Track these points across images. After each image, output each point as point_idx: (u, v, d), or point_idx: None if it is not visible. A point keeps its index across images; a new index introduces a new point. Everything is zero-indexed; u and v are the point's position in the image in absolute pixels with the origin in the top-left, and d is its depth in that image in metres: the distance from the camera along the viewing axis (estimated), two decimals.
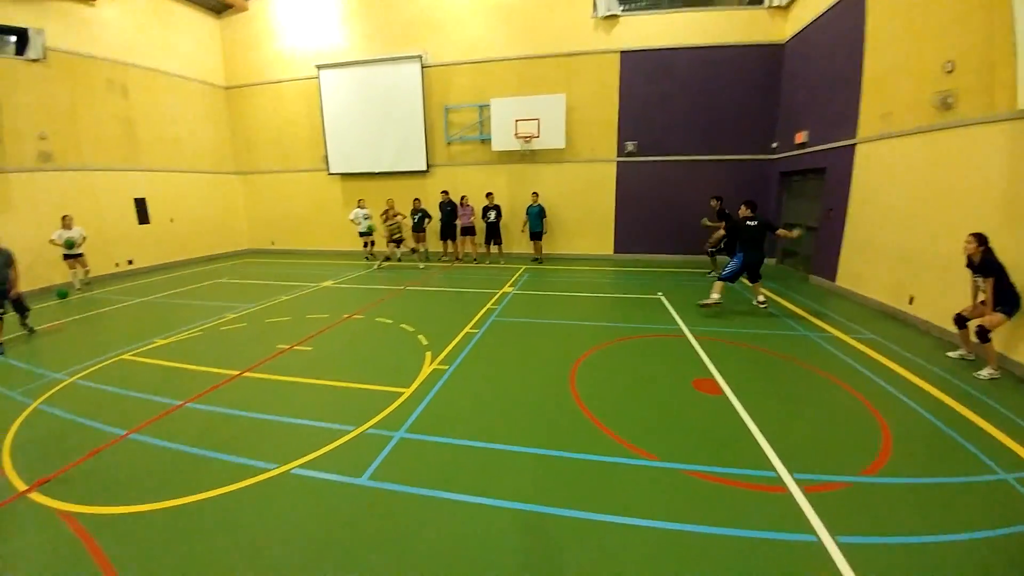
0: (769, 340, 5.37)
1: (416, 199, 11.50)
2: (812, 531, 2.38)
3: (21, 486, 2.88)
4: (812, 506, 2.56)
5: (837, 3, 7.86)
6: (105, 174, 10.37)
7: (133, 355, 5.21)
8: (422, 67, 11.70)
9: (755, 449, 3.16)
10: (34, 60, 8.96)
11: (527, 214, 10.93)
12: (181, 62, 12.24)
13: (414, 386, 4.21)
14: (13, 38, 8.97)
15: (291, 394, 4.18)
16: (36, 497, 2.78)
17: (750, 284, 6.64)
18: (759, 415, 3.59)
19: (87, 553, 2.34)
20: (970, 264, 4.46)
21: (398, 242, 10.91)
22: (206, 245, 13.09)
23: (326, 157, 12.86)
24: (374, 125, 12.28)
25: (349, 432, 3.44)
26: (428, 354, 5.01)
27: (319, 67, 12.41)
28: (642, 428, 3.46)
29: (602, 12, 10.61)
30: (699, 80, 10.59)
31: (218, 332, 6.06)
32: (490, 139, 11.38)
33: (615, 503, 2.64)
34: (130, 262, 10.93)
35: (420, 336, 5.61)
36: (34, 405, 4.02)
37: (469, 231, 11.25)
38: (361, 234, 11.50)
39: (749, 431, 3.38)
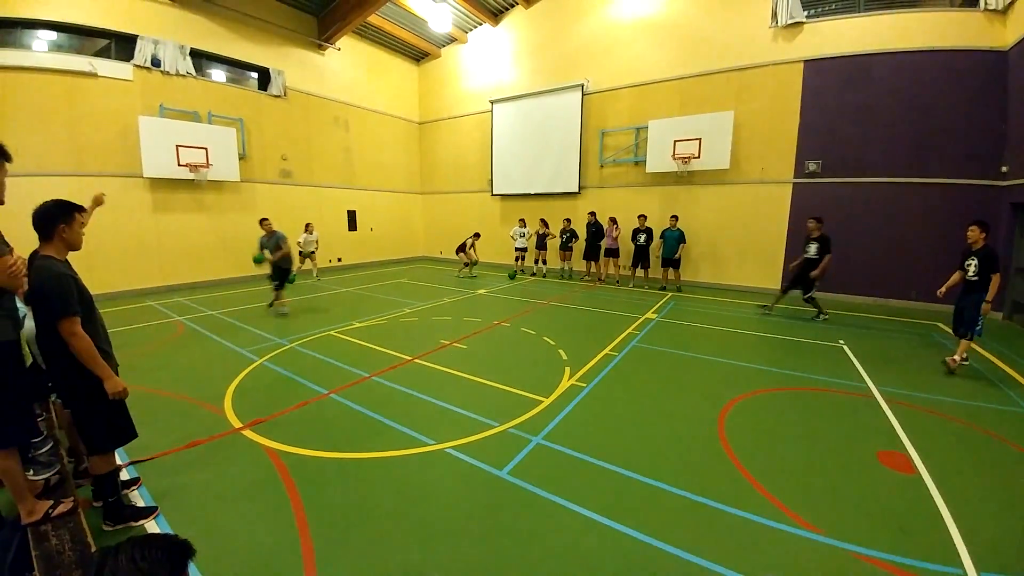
0: (987, 416, 4.12)
1: (567, 219, 12.03)
2: None
3: (237, 423, 3.91)
4: None
5: None
6: (328, 190, 13.46)
7: (337, 332, 6.63)
8: (583, 94, 12.24)
9: (945, 541, 2.54)
10: (276, 96, 11.98)
11: (663, 238, 10.36)
12: (388, 101, 15.29)
13: (553, 397, 4.44)
14: (255, 74, 11.93)
15: (450, 384, 4.81)
16: (249, 434, 3.73)
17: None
18: (956, 503, 2.86)
19: (281, 482, 3.08)
20: None
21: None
22: (392, 250, 15.95)
23: (491, 180, 14.41)
24: (534, 150, 13.34)
25: (494, 427, 3.83)
26: (567, 369, 5.21)
27: (492, 101, 14.02)
28: (803, 492, 3.03)
29: (783, 20, 9.62)
30: (901, 90, 8.79)
31: (398, 322, 7.30)
32: (644, 160, 11.24)
33: (752, 563, 2.40)
34: (339, 259, 13.89)
35: (560, 350, 5.85)
36: (259, 361, 5.41)
37: (613, 253, 11.27)
38: (516, 249, 12.65)
39: (941, 520, 2.70)
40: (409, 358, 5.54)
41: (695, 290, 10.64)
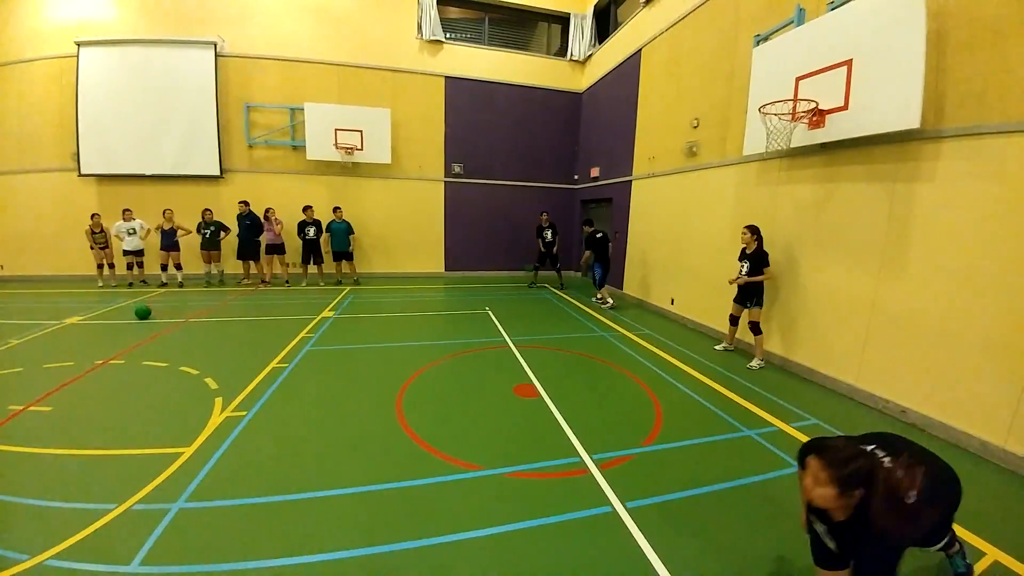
0: (576, 342, 6.18)
1: (207, 210, 9.65)
2: (608, 502, 2.78)
3: None
4: (606, 480, 3.00)
5: (619, 65, 9.77)
6: None
7: None
8: (216, 55, 9.96)
9: (564, 440, 3.55)
10: None
11: (328, 231, 10.17)
12: None
13: (198, 442, 3.41)
14: None
15: (29, 469, 2.96)
16: None
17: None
18: (566, 409, 4.08)
19: None
20: (743, 255, 5.32)
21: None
22: None
23: (77, 154, 9.71)
24: (151, 118, 9.85)
25: (111, 511, 2.58)
26: (219, 400, 4.14)
27: (79, 43, 9.39)
28: (467, 440, 3.54)
29: (427, 35, 10.86)
30: (517, 114, 11.80)
31: None
32: (304, 146, 10.36)
33: (444, 522, 2.61)
34: None
35: (208, 379, 4.59)
36: None
37: (277, 249, 9.92)
38: (126, 252, 9.16)
39: (559, 426, 3.79)
40: None
41: (372, 280, 10.84)
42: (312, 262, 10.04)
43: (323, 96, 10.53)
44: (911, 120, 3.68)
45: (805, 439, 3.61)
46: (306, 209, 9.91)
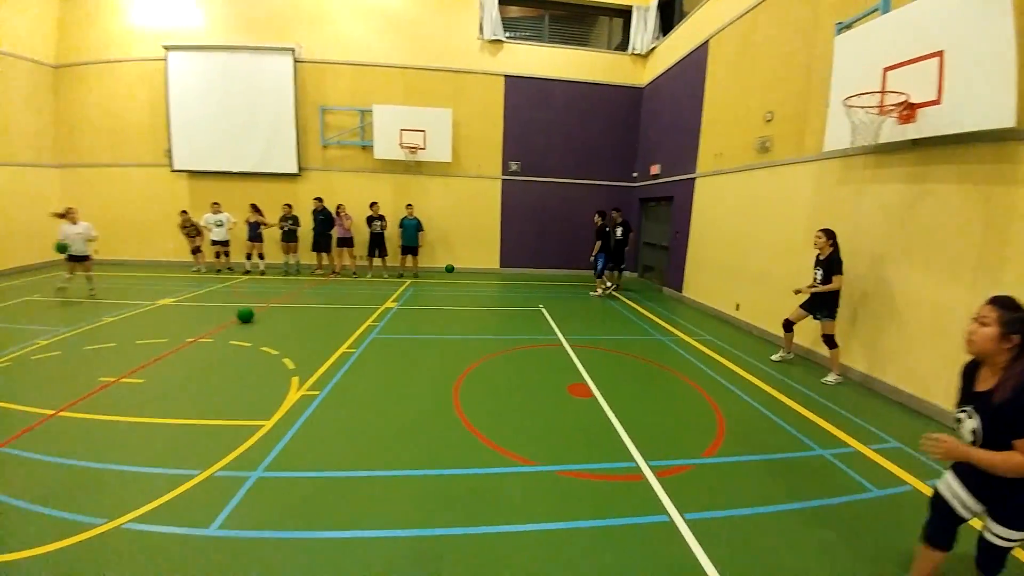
0: (631, 345, 6.03)
1: (287, 205, 10.46)
2: (664, 511, 2.69)
3: None
4: (664, 489, 2.90)
5: (684, 58, 9.37)
6: None
7: None
8: (295, 61, 10.75)
9: (619, 444, 3.49)
10: None
11: (401, 226, 10.60)
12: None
13: (276, 417, 3.73)
14: None
15: (118, 436, 3.38)
16: None
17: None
18: (621, 412, 3.99)
19: None
20: (816, 260, 4.92)
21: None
22: (12, 255, 10.02)
23: (169, 151, 10.92)
24: (237, 119, 10.83)
25: (194, 477, 2.90)
26: (295, 379, 4.50)
27: (168, 48, 10.56)
28: (521, 435, 3.57)
29: (488, 35, 11.04)
30: (575, 111, 11.66)
31: (28, 362, 4.69)
32: (372, 145, 10.92)
33: (497, 513, 2.66)
34: None
35: (286, 360, 5.01)
36: None
37: (347, 242, 10.58)
38: (214, 243, 10.15)
39: (614, 428, 3.72)
40: (51, 412, 3.62)
41: (431, 275, 11.22)
42: (377, 255, 10.58)
43: (390, 98, 11.03)
44: (1005, 118, 3.36)
45: (886, 463, 3.30)
46: (372, 205, 10.47)
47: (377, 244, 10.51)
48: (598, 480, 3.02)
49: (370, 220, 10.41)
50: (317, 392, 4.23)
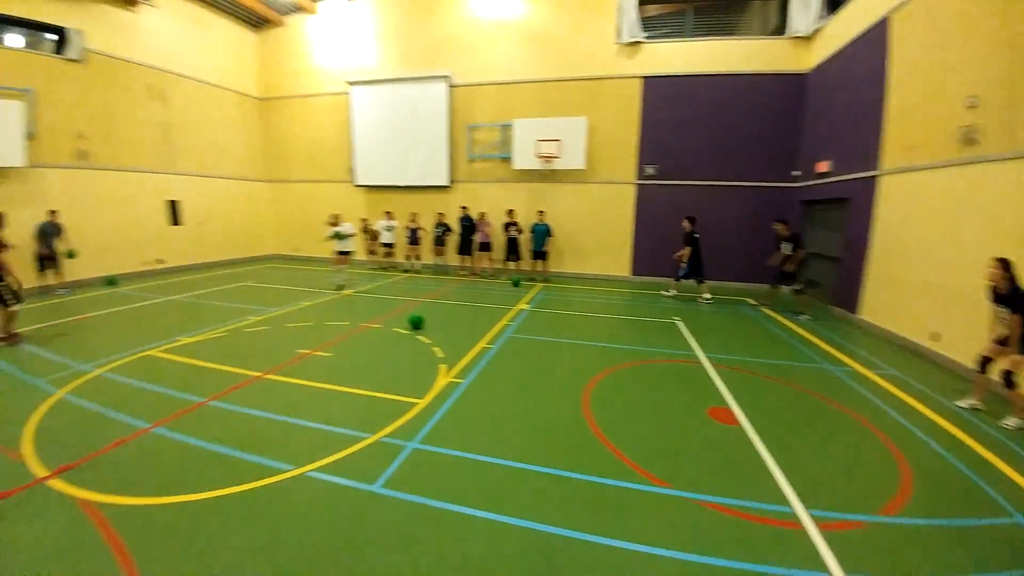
0: (787, 371, 5.29)
1: (440, 213, 11.89)
2: (825, 569, 2.34)
3: (41, 472, 3.00)
4: (827, 544, 2.51)
5: (860, 36, 7.90)
6: (141, 175, 10.84)
7: (159, 351, 5.40)
8: (449, 87, 12.09)
9: (770, 482, 3.11)
10: (73, 60, 9.32)
11: (532, 232, 11.09)
12: (218, 71, 12.84)
13: (429, 397, 4.28)
14: (54, 37, 9.29)
15: (309, 398, 4.27)
16: (56, 484, 2.88)
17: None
18: (775, 448, 3.54)
19: (104, 542, 2.42)
20: (994, 295, 4.14)
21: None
22: (233, 248, 13.54)
23: (352, 169, 13.29)
24: (400, 140, 12.70)
25: (364, 439, 3.51)
26: (443, 366, 5.08)
27: (351, 83, 12.92)
28: (654, 453, 3.45)
29: (625, 39, 10.86)
30: (720, 107, 10.69)
31: (241, 334, 6.25)
32: (510, 157, 11.64)
33: (623, 528, 2.64)
34: (160, 262, 11.35)
35: (435, 348, 5.69)
36: (60, 394, 4.19)
37: (486, 247, 11.49)
38: (384, 244, 12.02)
39: (764, 464, 3.33)
40: (258, 374, 4.78)
41: (560, 279, 11.44)
42: (513, 259, 11.30)
43: (528, 111, 11.64)
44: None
45: None
46: (509, 212, 11.22)
47: (513, 249, 11.20)
48: (744, 519, 2.76)
49: (507, 226, 11.14)
50: (461, 380, 4.71)
